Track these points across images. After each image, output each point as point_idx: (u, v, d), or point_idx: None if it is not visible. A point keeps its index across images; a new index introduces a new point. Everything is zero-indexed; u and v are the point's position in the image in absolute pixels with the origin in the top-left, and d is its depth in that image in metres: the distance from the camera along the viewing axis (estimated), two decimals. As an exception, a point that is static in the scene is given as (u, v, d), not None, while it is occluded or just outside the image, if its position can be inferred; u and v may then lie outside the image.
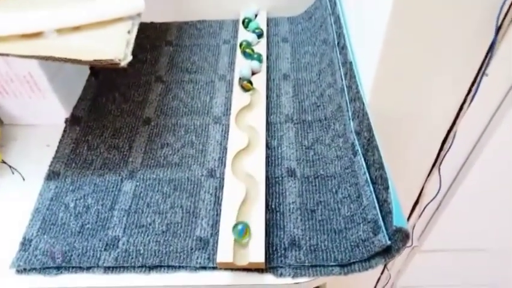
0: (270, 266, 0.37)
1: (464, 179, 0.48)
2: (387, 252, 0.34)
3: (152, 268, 0.37)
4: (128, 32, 0.38)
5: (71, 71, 0.50)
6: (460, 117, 0.40)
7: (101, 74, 0.55)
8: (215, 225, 0.40)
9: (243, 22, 0.59)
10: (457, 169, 0.49)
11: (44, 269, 0.38)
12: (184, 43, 0.59)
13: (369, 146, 0.37)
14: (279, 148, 0.46)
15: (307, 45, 0.57)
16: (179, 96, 0.52)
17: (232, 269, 0.37)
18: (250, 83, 0.50)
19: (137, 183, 0.44)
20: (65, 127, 0.49)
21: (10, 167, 0.46)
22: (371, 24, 0.37)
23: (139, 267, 0.38)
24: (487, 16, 0.31)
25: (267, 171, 0.43)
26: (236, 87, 0.51)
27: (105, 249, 0.38)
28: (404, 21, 0.32)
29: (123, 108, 0.51)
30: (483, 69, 0.34)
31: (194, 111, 0.51)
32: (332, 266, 0.36)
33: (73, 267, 0.38)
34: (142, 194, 0.43)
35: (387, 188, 0.33)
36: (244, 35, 0.57)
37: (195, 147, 0.47)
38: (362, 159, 0.39)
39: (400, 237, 0.32)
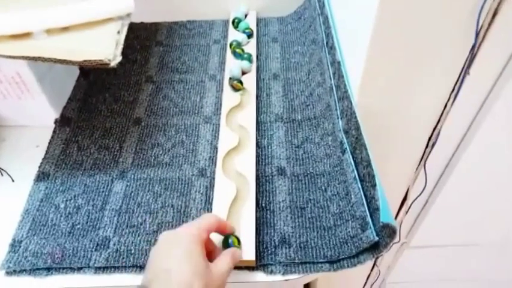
0: (260, 263, 0.37)
1: (450, 175, 0.49)
2: (375, 248, 0.34)
3: (143, 268, 0.38)
4: (118, 32, 0.38)
5: (61, 72, 0.50)
6: (444, 115, 0.41)
7: (91, 74, 0.55)
8: (206, 224, 0.40)
9: (233, 22, 0.59)
10: (443, 166, 0.50)
11: (34, 270, 0.38)
12: (174, 43, 0.60)
13: (357, 144, 0.38)
14: (269, 147, 0.46)
15: (296, 45, 0.58)
16: (170, 96, 0.53)
17: (223, 267, 0.37)
18: (241, 82, 0.51)
19: (128, 183, 0.44)
20: (55, 128, 0.49)
21: (-1, 168, 0.45)
22: (357, 25, 0.37)
23: (130, 267, 0.38)
24: (469, 17, 0.32)
25: (257, 170, 0.43)
26: (226, 87, 0.51)
27: (96, 250, 0.38)
28: (390, 22, 0.33)
29: (113, 108, 0.51)
30: (465, 68, 0.35)
31: (184, 111, 0.51)
32: (321, 262, 0.37)
33: (63, 268, 0.38)
34: (132, 194, 0.43)
35: (375, 185, 0.33)
36: (234, 35, 0.58)
37: (185, 146, 0.47)
38: (351, 157, 0.39)
39: (387, 233, 0.32)
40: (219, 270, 0.31)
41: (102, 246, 0.39)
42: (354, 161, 0.39)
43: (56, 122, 0.49)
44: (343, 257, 0.36)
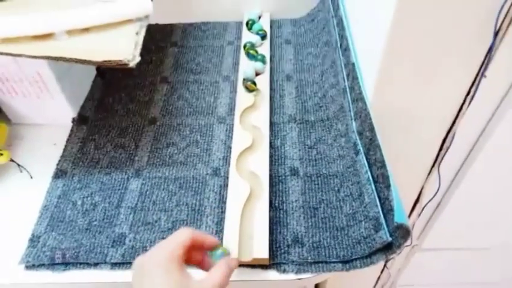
0: (273, 262, 0.38)
1: (463, 178, 0.49)
2: (388, 249, 0.35)
3: (158, 264, 0.38)
4: (137, 33, 0.39)
5: (79, 72, 0.51)
6: (459, 118, 0.41)
7: (108, 74, 0.56)
8: (220, 222, 0.40)
9: (247, 24, 0.60)
10: (456, 168, 0.50)
11: (52, 265, 0.39)
12: (188, 44, 0.60)
13: (371, 146, 0.38)
14: (283, 147, 0.47)
15: (310, 46, 0.58)
16: (184, 97, 0.53)
17: (236, 265, 0.38)
18: (254, 83, 0.51)
19: (144, 182, 0.44)
20: (72, 126, 0.50)
21: (18, 165, 0.47)
22: (373, 27, 0.37)
23: (145, 263, 0.38)
24: (486, 20, 0.32)
25: (270, 170, 0.44)
26: (240, 88, 0.52)
27: (112, 246, 0.39)
28: (406, 24, 0.33)
29: (129, 108, 0.52)
30: (482, 71, 0.35)
31: (199, 111, 0.51)
32: (334, 262, 0.37)
33: (80, 263, 0.39)
34: (148, 192, 0.44)
35: (389, 186, 0.34)
36: (248, 36, 0.58)
37: (199, 146, 0.48)
38: (364, 158, 0.40)
39: (401, 234, 0.33)
40: (210, 281, 0.29)
41: (118, 243, 0.39)
42: (368, 162, 0.39)
43: (73, 120, 0.50)
44: (356, 257, 0.37)
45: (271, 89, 0.53)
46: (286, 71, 0.56)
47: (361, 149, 0.40)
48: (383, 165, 0.35)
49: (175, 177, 0.45)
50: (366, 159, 0.39)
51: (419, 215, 0.55)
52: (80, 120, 0.50)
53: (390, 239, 0.34)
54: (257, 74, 0.53)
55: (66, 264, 0.39)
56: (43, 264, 0.39)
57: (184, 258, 0.30)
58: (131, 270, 0.30)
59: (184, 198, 0.43)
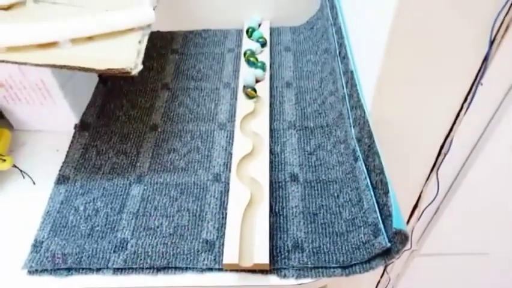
0: (274, 267, 0.38)
1: (461, 183, 0.50)
2: (387, 254, 0.35)
3: (159, 269, 0.39)
4: (139, 42, 0.40)
5: (81, 79, 0.52)
6: (456, 124, 0.42)
7: (110, 81, 0.56)
8: (221, 228, 0.41)
9: (247, 31, 0.61)
10: (455, 174, 0.50)
11: (55, 270, 0.39)
12: (189, 51, 0.61)
13: (370, 152, 0.39)
14: (282, 154, 0.47)
15: (309, 54, 0.59)
16: (185, 103, 0.54)
17: (237, 270, 0.38)
18: (254, 90, 0.52)
19: (145, 187, 0.45)
20: (75, 133, 0.50)
21: (21, 171, 0.47)
22: (372, 35, 0.38)
23: (147, 268, 0.39)
24: (482, 29, 0.33)
25: (270, 176, 0.44)
26: (240, 95, 0.53)
27: (114, 251, 0.40)
28: (405, 33, 0.34)
29: (131, 114, 0.53)
30: (478, 79, 0.36)
31: (199, 117, 0.52)
32: (333, 267, 0.38)
33: (83, 269, 0.39)
34: (149, 198, 0.44)
35: (388, 192, 0.34)
36: (248, 44, 0.59)
37: (200, 152, 0.48)
38: (363, 164, 0.40)
39: (399, 239, 0.33)
40: None
41: (120, 248, 0.40)
42: (367, 169, 0.40)
43: (75, 127, 0.51)
44: (355, 262, 0.37)
45: (271, 95, 0.54)
46: (286, 78, 0.56)
47: (360, 155, 0.41)
48: (382, 172, 0.35)
49: (176, 183, 0.45)
50: (365, 165, 0.40)
51: (418, 219, 0.55)
52: (82, 127, 0.51)
53: (389, 244, 0.34)
54: (257, 81, 0.54)
55: (68, 270, 0.39)
56: (46, 270, 0.39)
57: None
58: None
59: (185, 204, 0.43)
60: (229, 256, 0.37)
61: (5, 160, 0.46)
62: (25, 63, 0.36)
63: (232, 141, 0.48)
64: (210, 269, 0.38)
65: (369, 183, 0.39)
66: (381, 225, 0.35)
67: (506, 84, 0.39)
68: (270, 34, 0.62)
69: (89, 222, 0.42)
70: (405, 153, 0.45)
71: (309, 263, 0.38)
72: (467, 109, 0.39)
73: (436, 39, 0.34)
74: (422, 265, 0.68)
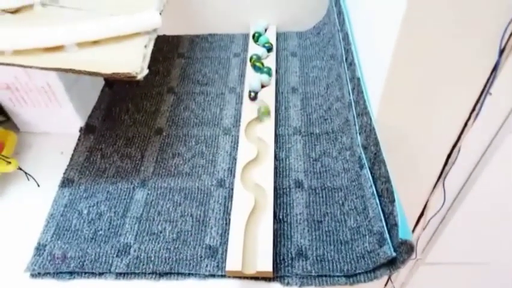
0: (277, 275, 0.38)
1: (468, 193, 0.49)
2: (392, 264, 0.35)
3: (162, 275, 0.38)
4: (145, 46, 0.40)
5: (87, 82, 0.52)
6: (464, 133, 0.41)
7: (115, 84, 0.57)
8: (224, 234, 0.41)
9: (253, 36, 0.61)
10: (461, 183, 0.50)
11: (57, 274, 0.39)
12: (195, 55, 0.61)
13: (376, 160, 0.38)
14: (287, 160, 0.47)
15: (315, 59, 0.59)
16: (191, 108, 0.54)
17: (240, 277, 0.38)
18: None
19: (149, 192, 0.45)
20: (80, 136, 0.50)
21: (26, 173, 0.47)
22: (379, 42, 0.38)
23: (149, 273, 0.39)
24: (492, 38, 0.33)
25: (275, 182, 0.44)
26: (246, 100, 0.52)
27: (117, 256, 0.40)
28: (412, 40, 0.34)
29: (136, 118, 0.53)
30: (487, 88, 0.36)
31: (204, 122, 0.52)
32: (338, 276, 0.37)
33: (85, 273, 0.39)
34: (153, 202, 0.44)
35: (393, 201, 0.34)
36: (254, 48, 0.59)
37: (205, 157, 0.48)
38: (369, 172, 0.40)
39: (405, 249, 0.33)
40: None
41: (123, 253, 0.40)
42: (373, 177, 0.39)
43: (81, 130, 0.51)
44: (360, 271, 0.37)
45: (276, 101, 0.53)
46: (292, 84, 0.56)
47: (366, 163, 0.41)
48: (388, 180, 0.35)
49: (180, 188, 0.45)
50: (371, 173, 0.39)
51: (424, 228, 0.55)
52: (87, 130, 0.51)
53: (394, 254, 0.33)
54: (263, 86, 0.54)
55: (71, 273, 0.39)
56: (48, 273, 0.39)
57: None
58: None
59: (189, 209, 0.43)
60: (232, 263, 0.37)
61: (10, 162, 0.46)
62: (31, 67, 0.36)
63: (237, 146, 0.48)
64: (213, 276, 0.38)
65: (375, 192, 0.38)
66: (386, 235, 0.35)
67: (516, 94, 0.38)
68: (277, 39, 0.62)
69: (92, 226, 0.42)
70: (411, 161, 0.45)
71: (313, 271, 0.37)
72: (475, 118, 0.39)
73: (445, 47, 0.34)
74: (427, 274, 0.67)
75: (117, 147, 0.49)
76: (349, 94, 0.46)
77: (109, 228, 0.42)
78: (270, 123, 0.50)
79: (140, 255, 0.40)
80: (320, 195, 0.43)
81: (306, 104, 0.53)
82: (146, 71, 0.38)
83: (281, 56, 0.60)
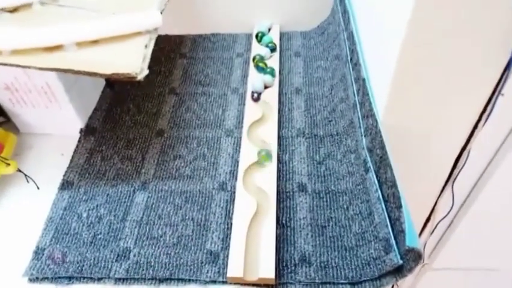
0: (280, 281, 0.37)
1: (477, 197, 0.48)
2: (398, 271, 0.33)
3: (162, 281, 0.38)
4: (145, 46, 0.39)
5: (87, 82, 0.51)
6: (474, 136, 0.40)
7: (117, 85, 0.56)
8: (225, 238, 0.40)
9: (257, 36, 0.60)
10: (470, 187, 0.48)
11: (56, 279, 0.38)
12: (197, 56, 0.60)
13: (382, 164, 0.37)
14: (290, 162, 0.46)
15: (319, 60, 0.58)
16: (192, 109, 0.53)
17: (241, 284, 0.37)
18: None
19: (150, 195, 0.44)
20: (80, 137, 0.50)
21: (25, 175, 0.46)
22: (385, 42, 0.37)
23: (149, 279, 0.38)
24: (503, 37, 0.31)
25: (278, 186, 0.43)
26: (248, 101, 0.51)
27: (116, 260, 0.39)
28: (420, 39, 0.32)
29: (137, 119, 0.52)
30: (499, 89, 0.34)
31: (206, 123, 0.51)
32: (342, 283, 0.36)
33: (84, 278, 0.38)
34: (153, 206, 0.43)
35: (400, 206, 0.33)
36: (257, 48, 0.58)
37: (206, 159, 0.47)
38: (374, 176, 0.39)
39: (412, 257, 0.31)
40: None
41: (122, 257, 0.39)
42: (378, 181, 0.38)
43: (81, 131, 0.50)
44: (365, 278, 0.35)
45: (279, 102, 0.52)
46: (296, 84, 0.55)
47: (371, 166, 0.39)
48: (394, 185, 0.34)
49: (181, 191, 0.44)
50: (377, 177, 0.38)
51: (431, 233, 0.53)
52: (87, 131, 0.50)
53: (400, 261, 0.32)
54: (266, 87, 0.53)
55: (70, 278, 0.38)
56: (47, 278, 0.38)
57: None
58: None
59: (190, 213, 0.42)
60: (234, 269, 0.36)
61: (9, 164, 0.45)
62: (29, 67, 0.35)
63: (239, 148, 0.47)
64: (214, 282, 0.37)
65: (381, 196, 0.37)
66: (392, 241, 0.34)
67: (528, 95, 0.37)
68: (280, 39, 0.61)
69: (91, 230, 0.41)
70: (419, 164, 0.44)
71: (317, 278, 0.36)
72: (485, 120, 0.38)
73: (454, 46, 0.33)
74: (434, 280, 0.65)
75: (117, 149, 0.49)
76: (354, 95, 0.45)
77: (108, 232, 0.41)
78: (273, 124, 0.49)
79: (140, 260, 0.39)
80: (324, 199, 0.42)
81: (310, 105, 0.52)
82: (146, 72, 0.37)
83: (285, 56, 0.59)
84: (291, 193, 0.43)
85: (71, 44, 0.37)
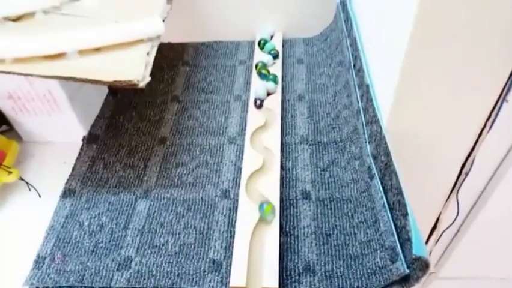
0: (283, 291, 0.36)
1: (483, 206, 0.47)
2: (405, 281, 0.33)
3: (164, 290, 0.37)
4: (148, 53, 0.39)
5: (90, 90, 0.51)
6: (479, 143, 0.39)
7: (119, 93, 0.56)
8: (228, 247, 0.39)
9: (259, 43, 0.60)
10: (476, 195, 0.48)
11: (56, 288, 0.38)
12: (200, 63, 0.60)
13: (387, 171, 0.36)
14: (294, 169, 0.46)
15: (322, 66, 0.58)
16: (195, 116, 0.53)
17: (245, 294, 0.36)
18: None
19: (152, 203, 0.44)
20: (82, 145, 0.50)
21: (27, 183, 0.46)
22: (389, 48, 0.37)
23: (151, 288, 0.37)
24: (508, 43, 0.31)
25: (281, 193, 0.43)
26: (251, 108, 0.51)
27: (117, 270, 0.38)
28: (424, 45, 0.32)
29: (139, 127, 0.52)
30: (503, 95, 0.34)
31: (209, 131, 0.51)
32: (347, 293, 0.35)
33: (85, 287, 0.38)
34: (155, 214, 0.43)
35: (406, 214, 0.32)
36: (260, 56, 0.58)
37: (209, 167, 0.47)
38: (379, 183, 0.38)
39: (419, 266, 0.31)
40: None
41: (124, 267, 0.38)
42: (383, 188, 0.37)
43: (83, 139, 0.50)
44: (371, 288, 0.35)
45: (282, 109, 0.52)
46: (299, 91, 0.55)
47: (376, 173, 0.39)
48: (400, 192, 0.33)
49: (183, 199, 0.44)
50: (382, 184, 0.38)
51: (437, 242, 0.53)
52: (90, 139, 0.50)
53: (407, 271, 0.32)
54: (269, 94, 0.53)
55: (70, 288, 0.38)
56: (47, 287, 0.38)
57: None
58: None
59: (192, 221, 0.42)
60: (237, 279, 0.35)
61: (11, 172, 0.45)
62: (31, 75, 0.35)
63: (242, 155, 0.47)
64: (216, 291, 0.37)
65: (386, 204, 0.36)
66: (399, 250, 0.33)
67: (534, 101, 0.36)
68: (283, 46, 0.61)
69: (93, 238, 0.41)
70: (423, 172, 0.43)
71: (321, 287, 0.36)
72: (490, 127, 0.37)
73: (458, 52, 0.32)
74: (440, 288, 0.65)
75: (120, 157, 0.48)
76: (358, 101, 0.45)
77: (110, 241, 0.41)
78: (276, 131, 0.48)
79: (142, 269, 0.38)
80: (328, 206, 0.42)
81: (313, 112, 0.52)
82: (148, 79, 0.37)
83: (287, 63, 0.59)
84: (295, 201, 0.43)
85: (73, 52, 0.37)
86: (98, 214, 0.43)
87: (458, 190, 0.45)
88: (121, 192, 0.45)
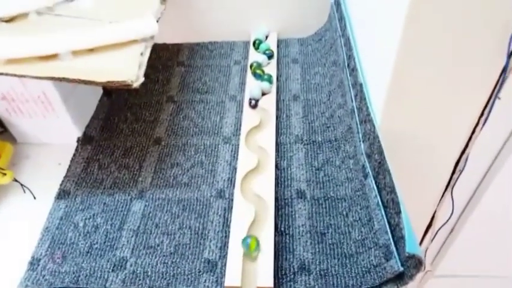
0: (278, 290, 0.36)
1: (478, 203, 0.47)
2: (399, 279, 0.33)
3: (159, 291, 0.37)
4: (141, 54, 0.39)
5: (85, 91, 0.51)
6: (472, 140, 0.40)
7: (114, 93, 0.56)
8: (223, 247, 0.39)
9: (254, 43, 0.60)
10: (471, 192, 0.48)
11: (51, 290, 0.38)
12: (195, 64, 0.60)
13: (380, 169, 0.37)
14: (289, 169, 0.46)
15: (317, 66, 0.58)
16: (190, 116, 0.53)
17: (240, 293, 0.36)
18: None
19: (147, 203, 0.44)
20: (77, 146, 0.49)
21: (22, 185, 0.46)
22: (382, 47, 0.37)
23: (146, 289, 0.37)
24: (500, 41, 0.31)
25: (276, 193, 0.43)
26: (246, 108, 0.51)
27: (113, 270, 0.38)
28: (416, 44, 0.32)
29: (134, 127, 0.52)
30: (496, 92, 0.34)
31: (204, 131, 0.51)
32: (342, 292, 0.35)
33: (80, 288, 0.37)
34: (151, 214, 0.43)
35: (399, 212, 0.32)
36: (254, 56, 0.58)
37: (204, 167, 0.47)
38: (373, 182, 0.38)
39: (413, 264, 0.31)
40: None
41: (119, 267, 0.38)
42: (377, 186, 0.38)
43: (78, 140, 0.50)
44: (365, 286, 0.35)
45: (277, 108, 0.52)
46: (293, 91, 0.55)
47: (370, 172, 0.39)
48: (393, 191, 0.33)
49: (178, 199, 0.44)
50: (376, 183, 0.38)
51: (432, 240, 0.53)
52: (84, 140, 0.50)
53: (401, 268, 0.32)
54: (264, 94, 0.53)
55: (65, 289, 0.38)
56: (42, 289, 0.38)
57: None
58: None
59: (187, 221, 0.42)
60: (231, 279, 0.35)
61: (5, 174, 0.45)
62: (24, 76, 0.35)
63: (237, 155, 0.47)
64: (212, 291, 0.36)
65: (380, 202, 0.37)
66: (393, 248, 0.33)
67: (526, 98, 0.37)
68: (278, 46, 0.61)
69: (88, 240, 0.41)
70: (417, 170, 0.43)
71: (316, 286, 0.36)
72: (483, 124, 0.37)
73: (450, 50, 0.32)
74: (436, 287, 0.65)
75: (115, 158, 0.48)
76: (352, 101, 0.45)
77: (105, 242, 0.40)
78: (271, 131, 0.48)
79: (137, 269, 0.38)
80: (323, 205, 0.42)
81: (308, 112, 0.52)
82: (142, 79, 0.37)
83: (282, 63, 0.59)
84: (290, 200, 0.43)
85: (67, 53, 0.37)
86: (93, 215, 0.43)
87: (452, 187, 0.45)
88: (116, 193, 0.45)
